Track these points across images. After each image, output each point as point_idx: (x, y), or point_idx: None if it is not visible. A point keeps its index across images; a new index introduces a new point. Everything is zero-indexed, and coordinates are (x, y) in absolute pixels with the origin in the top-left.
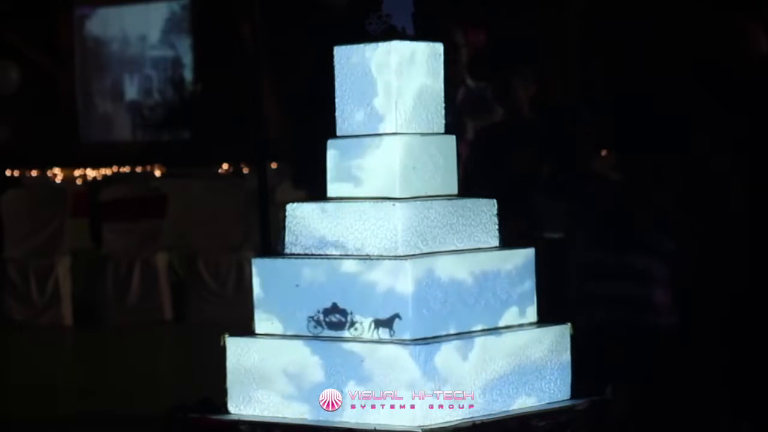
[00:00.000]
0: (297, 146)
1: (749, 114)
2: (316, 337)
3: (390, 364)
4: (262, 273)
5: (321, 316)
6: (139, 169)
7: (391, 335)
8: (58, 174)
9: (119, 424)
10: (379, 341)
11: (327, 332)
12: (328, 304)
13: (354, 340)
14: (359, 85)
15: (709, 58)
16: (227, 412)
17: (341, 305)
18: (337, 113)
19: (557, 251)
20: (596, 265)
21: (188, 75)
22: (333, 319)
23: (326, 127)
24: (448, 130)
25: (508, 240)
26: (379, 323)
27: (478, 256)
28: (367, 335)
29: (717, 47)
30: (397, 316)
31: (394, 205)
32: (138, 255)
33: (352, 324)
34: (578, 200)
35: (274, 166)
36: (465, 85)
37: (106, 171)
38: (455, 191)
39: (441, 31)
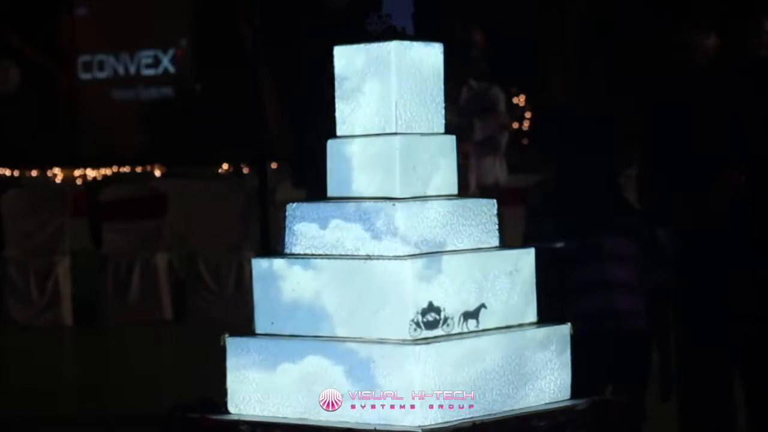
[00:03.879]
0: (297, 146)
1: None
2: (316, 337)
3: (391, 363)
4: (262, 273)
5: (419, 318)
6: (139, 169)
7: (477, 326)
8: (58, 174)
9: (119, 424)
10: (382, 341)
11: (425, 333)
12: (425, 304)
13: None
14: (360, 85)
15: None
16: (227, 412)
17: (436, 303)
18: (337, 113)
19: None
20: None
21: (188, 75)
22: (429, 319)
23: (326, 128)
24: (449, 130)
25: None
26: (467, 315)
27: (478, 256)
28: (456, 329)
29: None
30: (483, 306)
31: (394, 205)
32: (138, 255)
33: (445, 321)
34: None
35: (274, 166)
36: (468, 85)
37: (106, 171)
38: (455, 191)
39: (447, 30)
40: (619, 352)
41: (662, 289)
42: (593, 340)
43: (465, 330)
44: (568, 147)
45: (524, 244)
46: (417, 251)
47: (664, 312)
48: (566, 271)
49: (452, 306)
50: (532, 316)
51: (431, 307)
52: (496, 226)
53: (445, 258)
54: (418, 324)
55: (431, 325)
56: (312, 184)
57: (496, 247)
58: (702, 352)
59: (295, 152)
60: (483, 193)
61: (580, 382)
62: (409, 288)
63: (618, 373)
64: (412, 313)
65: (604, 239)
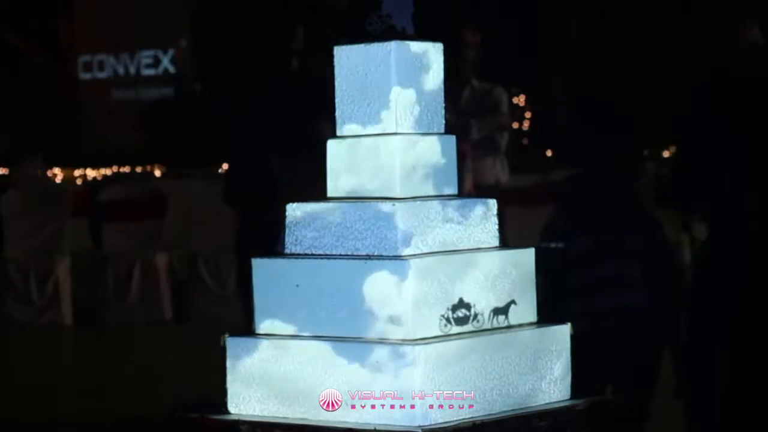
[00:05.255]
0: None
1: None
2: (316, 337)
3: (391, 363)
4: (262, 273)
5: (450, 314)
6: (139, 169)
7: (507, 322)
8: (58, 174)
9: (119, 424)
10: (382, 341)
11: (455, 329)
12: (455, 300)
13: (473, 333)
14: (359, 85)
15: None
16: (227, 412)
17: (466, 299)
18: (337, 113)
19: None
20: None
21: (188, 75)
22: (460, 315)
23: (326, 127)
24: (450, 130)
25: None
26: (497, 311)
27: (478, 256)
28: (486, 325)
29: (706, 43)
30: (513, 302)
31: (394, 205)
32: (138, 255)
33: (475, 317)
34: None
35: None
36: (470, 86)
37: (106, 171)
38: (455, 191)
39: (449, 31)
40: (631, 350)
41: (673, 288)
42: (606, 339)
43: (495, 326)
44: (598, 143)
45: (543, 240)
46: (417, 251)
47: (676, 311)
48: (581, 269)
49: (483, 302)
50: (532, 316)
51: (462, 303)
52: (496, 226)
53: (445, 258)
54: (448, 320)
55: (461, 321)
56: (312, 184)
57: (496, 247)
58: (716, 352)
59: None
60: (481, 193)
61: (592, 381)
62: (426, 287)
63: (629, 371)
64: (443, 309)
65: (620, 237)
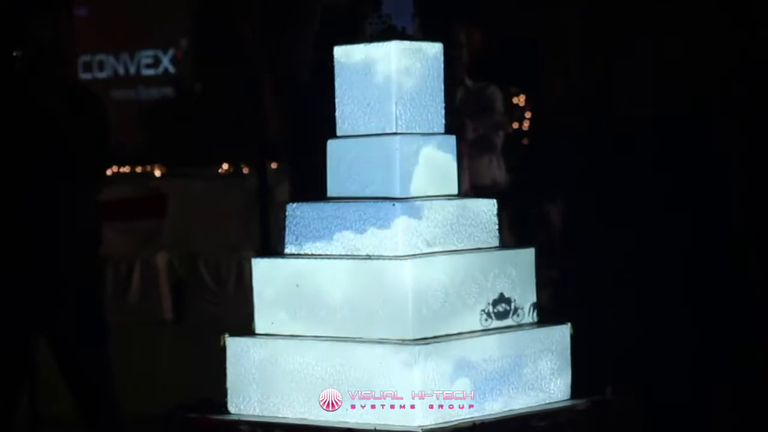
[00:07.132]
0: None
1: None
2: (316, 337)
3: (391, 363)
4: (262, 273)
5: (490, 308)
6: (139, 169)
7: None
8: None
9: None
10: (382, 341)
11: (495, 323)
12: (496, 295)
13: (514, 328)
14: (359, 85)
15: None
16: (227, 412)
17: (507, 294)
18: (337, 113)
19: None
20: None
21: (188, 75)
22: (500, 309)
23: (326, 127)
24: (448, 130)
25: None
26: (536, 306)
27: (478, 256)
28: (527, 319)
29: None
30: None
31: (394, 205)
32: (138, 255)
33: (515, 311)
34: None
35: (274, 166)
36: (464, 85)
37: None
38: (455, 191)
39: (442, 30)
40: None
41: None
42: None
43: (533, 320)
44: None
45: None
46: (417, 251)
47: None
48: None
49: (520, 297)
50: (532, 316)
51: (502, 298)
52: (496, 226)
53: (444, 258)
54: (489, 314)
55: (502, 316)
56: (312, 184)
57: (496, 247)
58: None
59: (294, 152)
60: (478, 193)
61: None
62: (413, 284)
63: None
64: (483, 304)
65: None
